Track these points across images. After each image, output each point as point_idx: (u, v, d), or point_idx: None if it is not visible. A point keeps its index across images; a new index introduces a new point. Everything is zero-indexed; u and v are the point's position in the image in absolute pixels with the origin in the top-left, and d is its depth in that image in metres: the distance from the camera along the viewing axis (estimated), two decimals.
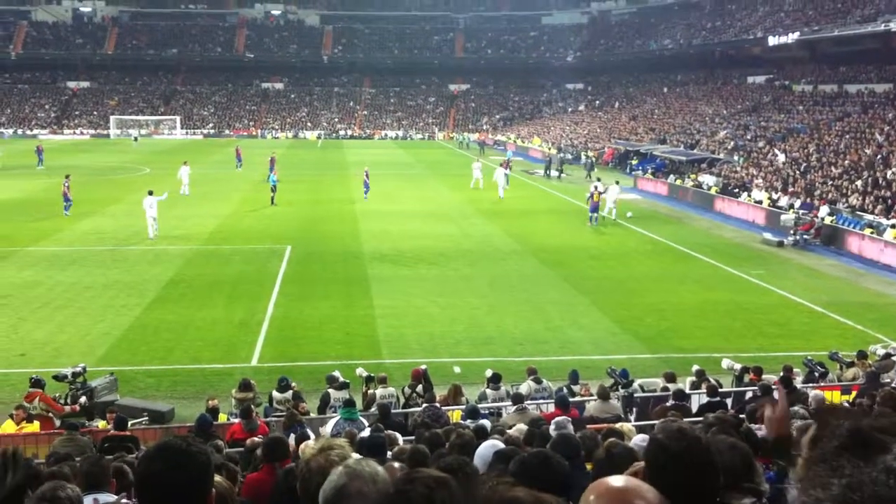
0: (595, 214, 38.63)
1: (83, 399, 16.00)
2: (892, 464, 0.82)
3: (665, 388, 15.06)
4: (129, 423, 13.51)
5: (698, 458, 2.68)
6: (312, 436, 10.87)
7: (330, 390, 14.95)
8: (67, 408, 15.65)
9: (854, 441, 0.89)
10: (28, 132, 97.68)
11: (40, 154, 62.59)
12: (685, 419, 9.21)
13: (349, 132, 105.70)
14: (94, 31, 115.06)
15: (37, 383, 15.31)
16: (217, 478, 4.92)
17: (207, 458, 3.31)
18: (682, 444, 2.74)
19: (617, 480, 2.11)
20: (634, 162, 62.50)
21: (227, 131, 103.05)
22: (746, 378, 15.79)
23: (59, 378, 16.21)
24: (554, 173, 60.45)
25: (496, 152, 78.60)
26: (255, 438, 10.69)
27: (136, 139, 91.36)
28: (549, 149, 75.00)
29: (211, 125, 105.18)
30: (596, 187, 40.38)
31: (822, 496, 0.84)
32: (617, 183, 45.93)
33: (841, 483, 0.84)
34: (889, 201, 35.15)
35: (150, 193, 34.82)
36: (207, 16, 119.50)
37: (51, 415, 15.01)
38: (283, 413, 13.39)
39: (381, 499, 2.40)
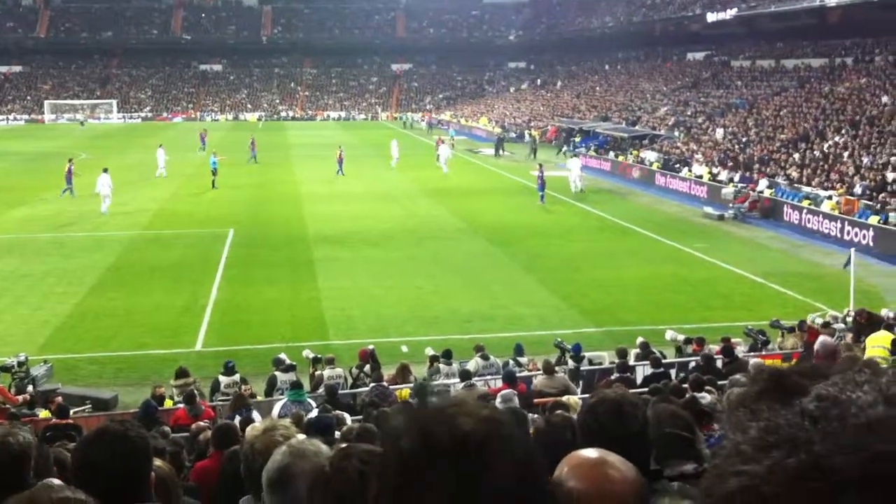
0: (542, 193, 38.72)
1: (30, 388, 15.72)
2: (808, 406, 0.82)
3: (612, 362, 15.26)
4: (72, 411, 13.28)
5: (629, 428, 2.70)
6: (259, 418, 10.79)
7: (276, 373, 14.86)
8: (20, 398, 15.37)
9: (773, 385, 0.88)
10: None
11: None
12: (630, 391, 9.32)
13: (291, 114, 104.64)
14: (25, 15, 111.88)
15: None
16: (158, 462, 4.84)
17: (146, 442, 3.26)
18: (613, 412, 2.76)
19: (591, 452, 2.11)
20: (578, 139, 62.88)
21: (165, 114, 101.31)
22: (690, 349, 16.04)
23: (4, 368, 15.91)
24: (505, 153, 60.45)
25: (441, 131, 78.46)
26: (200, 423, 10.58)
27: (82, 123, 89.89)
28: (494, 128, 75.09)
29: (148, 108, 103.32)
30: (541, 165, 40.61)
31: (740, 440, 0.84)
32: (576, 156, 46.94)
33: (758, 426, 0.83)
34: (826, 174, 35.87)
35: (105, 171, 35.95)
36: None
37: (8, 406, 14.73)
38: (230, 397, 13.28)
39: (317, 475, 2.38)
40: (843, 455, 0.77)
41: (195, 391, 13.11)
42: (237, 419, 9.81)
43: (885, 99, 41.33)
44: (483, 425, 1.11)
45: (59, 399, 13.66)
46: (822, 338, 10.93)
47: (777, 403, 0.85)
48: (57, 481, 5.09)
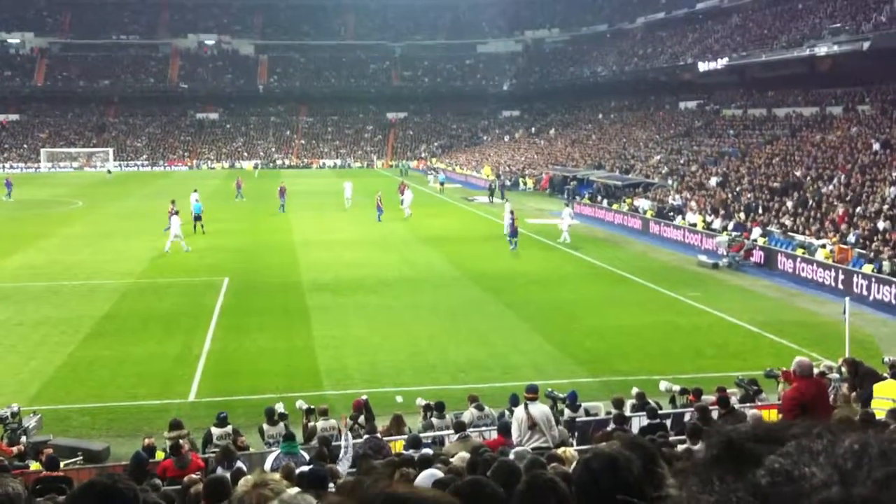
0: (514, 239, 38.95)
1: (24, 439, 15.55)
2: (760, 481, 0.78)
3: (608, 412, 15.14)
4: (63, 463, 13.13)
5: (623, 483, 2.70)
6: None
7: (264, 426, 14.72)
8: (14, 448, 15.20)
9: (727, 453, 0.84)
10: None
11: (9, 187, 63.79)
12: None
13: (287, 161, 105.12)
14: (22, 63, 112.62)
15: None
16: None
17: (135, 493, 3.24)
18: (608, 467, 2.75)
19: None
20: (572, 187, 63.11)
21: (161, 162, 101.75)
22: (685, 399, 15.96)
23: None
24: (501, 199, 60.63)
25: (420, 175, 78.98)
26: (192, 476, 10.47)
27: (109, 172, 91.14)
28: (490, 175, 75.54)
29: (145, 157, 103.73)
30: (512, 211, 41.03)
31: None
32: (567, 205, 47.31)
33: (710, 501, 0.79)
34: (820, 222, 36.01)
35: (176, 213, 39.20)
36: (139, 46, 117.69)
37: (1, 459, 14.55)
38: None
39: None
40: None
41: (180, 442, 12.97)
42: (221, 471, 9.70)
43: (875, 146, 41.67)
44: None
45: (50, 451, 13.52)
46: (798, 358, 10.66)
47: (730, 474, 0.81)
48: None
